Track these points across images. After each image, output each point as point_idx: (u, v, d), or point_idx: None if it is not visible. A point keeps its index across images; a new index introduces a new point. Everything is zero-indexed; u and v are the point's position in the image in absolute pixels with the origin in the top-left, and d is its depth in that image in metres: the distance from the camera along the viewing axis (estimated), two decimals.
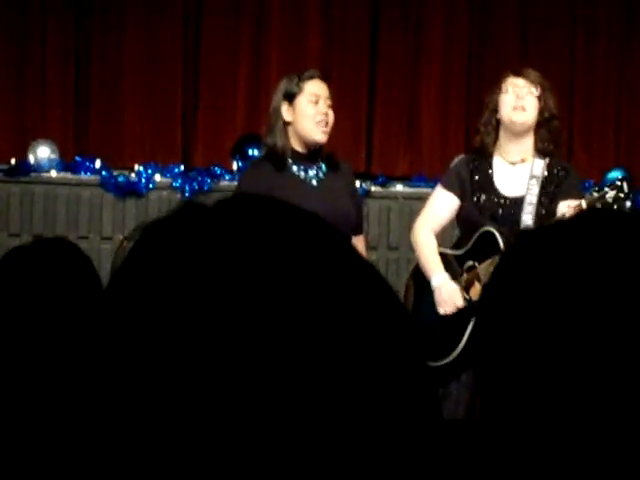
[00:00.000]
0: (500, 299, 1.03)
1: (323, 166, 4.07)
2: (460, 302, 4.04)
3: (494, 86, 4.22)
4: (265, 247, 0.74)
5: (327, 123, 4.02)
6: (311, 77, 4.06)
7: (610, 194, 3.90)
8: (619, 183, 3.93)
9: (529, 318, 0.99)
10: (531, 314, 0.99)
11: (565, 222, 1.05)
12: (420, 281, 4.25)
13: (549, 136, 4.12)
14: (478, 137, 4.21)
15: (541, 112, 4.10)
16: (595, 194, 3.94)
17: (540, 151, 4.13)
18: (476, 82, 6.93)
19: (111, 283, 0.76)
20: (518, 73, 4.17)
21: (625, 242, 1.00)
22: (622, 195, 3.90)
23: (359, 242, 4.16)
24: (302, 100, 4.02)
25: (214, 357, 0.70)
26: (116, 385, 0.72)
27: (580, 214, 1.07)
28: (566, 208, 3.96)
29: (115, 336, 0.73)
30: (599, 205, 3.90)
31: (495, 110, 4.13)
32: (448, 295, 4.06)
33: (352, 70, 6.85)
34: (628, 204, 4.02)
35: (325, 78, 4.13)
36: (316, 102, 4.01)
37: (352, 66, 6.86)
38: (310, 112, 4.00)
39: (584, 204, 3.89)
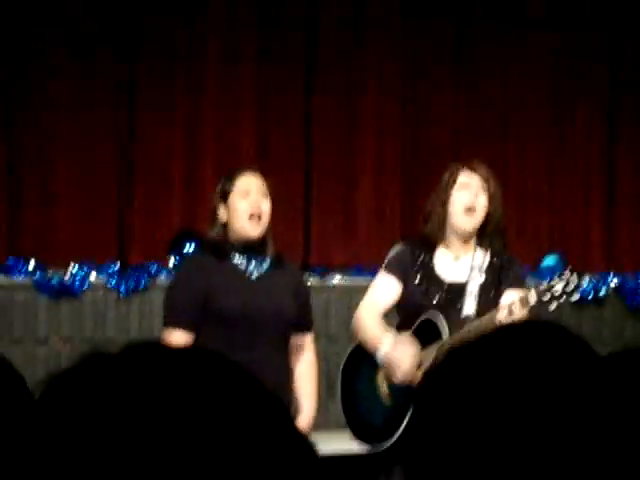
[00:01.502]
0: (434, 402, 1.05)
1: (268, 261, 4.05)
2: (415, 362, 3.98)
3: (445, 176, 4.17)
4: (169, 396, 0.74)
5: (260, 215, 4.00)
6: (241, 173, 4.07)
7: (559, 286, 3.89)
8: (568, 274, 3.92)
9: (458, 426, 1.01)
10: (459, 426, 1.01)
11: (499, 337, 1.07)
12: (354, 366, 4.23)
13: (496, 236, 4.11)
14: (426, 229, 4.15)
15: (490, 212, 4.10)
16: (544, 285, 3.92)
17: (483, 246, 4.13)
18: (410, 171, 7.01)
19: (20, 441, 0.76)
20: (471, 168, 4.13)
21: (555, 358, 1.03)
22: (571, 288, 3.89)
23: (305, 339, 4.14)
24: (234, 197, 4.02)
25: None
26: None
27: (512, 327, 1.09)
28: (511, 298, 3.95)
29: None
30: (547, 296, 3.88)
31: (445, 204, 4.10)
32: (401, 357, 3.99)
33: (288, 161, 6.89)
34: (576, 297, 4.01)
35: (256, 170, 4.14)
36: (247, 195, 4.01)
37: (288, 157, 6.90)
38: (241, 207, 4.00)
39: (533, 295, 3.88)
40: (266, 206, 4.03)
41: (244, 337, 3.81)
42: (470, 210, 4.06)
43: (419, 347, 4.03)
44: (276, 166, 6.76)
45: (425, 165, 6.88)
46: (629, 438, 0.99)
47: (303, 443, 0.79)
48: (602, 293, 6.56)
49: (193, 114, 6.83)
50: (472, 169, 4.12)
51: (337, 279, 6.51)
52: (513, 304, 3.87)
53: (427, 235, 4.14)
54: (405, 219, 6.93)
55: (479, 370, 1.02)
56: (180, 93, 6.80)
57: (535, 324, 1.06)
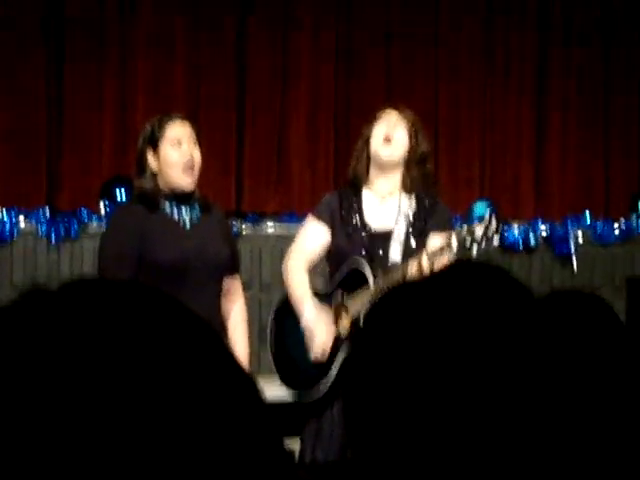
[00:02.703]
0: (371, 342, 1.07)
1: (196, 207, 4.03)
2: (331, 337, 4.06)
3: (370, 117, 4.26)
4: (108, 330, 0.75)
5: (193, 166, 3.97)
6: (171, 119, 4.01)
7: (479, 230, 3.95)
8: (488, 218, 3.97)
9: (396, 364, 1.02)
10: (398, 360, 1.03)
11: (436, 276, 1.08)
12: (285, 314, 4.26)
13: (419, 177, 4.16)
14: (351, 167, 4.25)
15: (411, 150, 4.15)
16: (465, 229, 3.98)
17: (407, 189, 4.18)
18: (343, 120, 7.01)
19: None
20: (393, 106, 4.23)
21: (488, 296, 1.04)
22: (491, 231, 3.95)
23: (235, 282, 4.14)
24: (165, 146, 3.96)
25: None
26: None
27: (449, 267, 1.10)
28: (436, 241, 4.01)
29: None
30: (469, 240, 3.94)
31: (368, 140, 4.18)
32: (319, 333, 4.06)
33: (220, 109, 6.85)
34: (496, 240, 4.07)
35: (187, 118, 4.08)
36: (179, 144, 3.97)
37: (220, 105, 6.86)
38: (173, 158, 3.94)
39: (454, 239, 3.93)
40: (197, 155, 4.00)
41: (183, 288, 3.79)
42: (387, 140, 4.12)
43: (345, 296, 4.09)
44: (208, 112, 6.72)
45: (358, 113, 6.88)
46: (564, 377, 1.01)
47: (246, 377, 0.80)
48: (531, 241, 6.66)
49: (123, 59, 6.75)
50: (393, 106, 4.23)
51: (270, 227, 6.51)
52: (435, 250, 3.92)
53: (352, 175, 4.21)
54: (338, 167, 6.94)
55: (418, 307, 1.04)
56: (112, 33, 6.71)
57: (471, 264, 1.07)
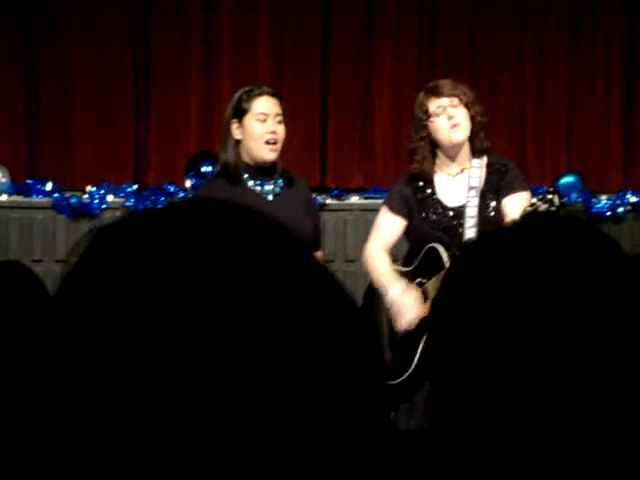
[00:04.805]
0: (449, 311, 1.05)
1: (279, 181, 4.04)
2: (420, 310, 4.02)
3: (416, 111, 4.13)
4: (216, 250, 0.73)
5: (276, 141, 3.98)
6: (259, 94, 4.01)
7: (542, 208, 3.89)
8: (550, 196, 3.91)
9: (477, 327, 1.00)
10: (479, 323, 1.00)
11: (506, 229, 1.06)
12: (371, 303, 4.25)
13: (483, 135, 4.13)
14: (416, 166, 4.14)
15: (472, 118, 4.11)
16: (528, 208, 3.93)
17: (477, 152, 4.14)
18: None
19: (61, 289, 0.74)
20: (437, 94, 4.09)
21: (566, 245, 1.01)
22: (554, 208, 3.89)
23: (318, 257, 4.13)
24: (250, 119, 3.97)
25: (167, 361, 0.69)
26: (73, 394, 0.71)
27: (519, 221, 1.08)
28: (511, 203, 3.99)
29: (65, 341, 0.72)
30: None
31: (426, 137, 4.09)
32: (407, 306, 4.05)
33: (304, 84, 6.85)
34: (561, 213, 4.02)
35: (275, 94, 4.09)
36: (264, 121, 3.97)
37: (304, 80, 6.86)
38: (258, 132, 3.95)
39: (518, 218, 3.86)
40: (281, 130, 4.01)
41: None
42: (454, 126, 4.05)
43: (425, 281, 4.06)
44: (293, 88, 6.72)
45: None
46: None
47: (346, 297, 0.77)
48: (619, 211, 6.55)
49: (208, 35, 6.78)
50: (437, 93, 4.09)
51: (354, 200, 6.50)
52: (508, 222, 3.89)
53: (422, 172, 4.13)
54: None
55: (497, 261, 1.01)
56: (196, 14, 6.76)
57: (553, 214, 1.05)
